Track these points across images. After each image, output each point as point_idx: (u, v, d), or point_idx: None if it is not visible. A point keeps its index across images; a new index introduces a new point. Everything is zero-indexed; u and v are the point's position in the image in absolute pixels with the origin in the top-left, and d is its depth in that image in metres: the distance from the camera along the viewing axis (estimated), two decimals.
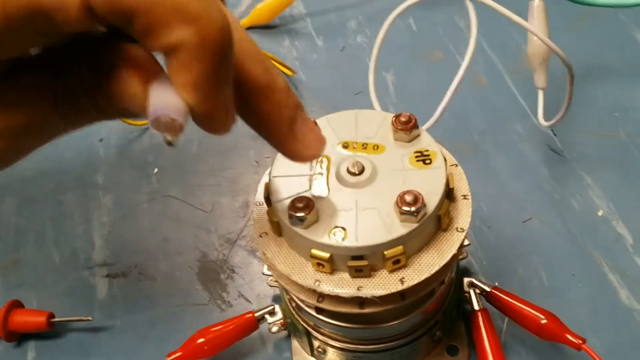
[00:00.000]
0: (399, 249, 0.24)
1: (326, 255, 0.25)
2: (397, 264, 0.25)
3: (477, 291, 0.34)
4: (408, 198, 0.24)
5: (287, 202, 0.25)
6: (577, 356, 0.32)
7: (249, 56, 0.21)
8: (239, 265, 0.40)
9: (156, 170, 0.45)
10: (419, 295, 0.27)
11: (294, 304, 0.32)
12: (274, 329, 0.34)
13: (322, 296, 0.26)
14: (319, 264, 0.25)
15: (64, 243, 0.42)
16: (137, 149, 0.47)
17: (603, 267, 0.37)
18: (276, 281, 0.33)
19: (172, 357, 0.33)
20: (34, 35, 0.18)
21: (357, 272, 0.25)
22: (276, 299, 0.38)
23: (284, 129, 0.22)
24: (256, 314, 0.34)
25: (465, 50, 0.35)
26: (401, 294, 0.26)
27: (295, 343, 0.35)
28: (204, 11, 0.17)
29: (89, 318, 0.36)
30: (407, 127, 0.27)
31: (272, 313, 0.34)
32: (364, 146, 0.27)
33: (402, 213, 0.24)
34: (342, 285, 0.25)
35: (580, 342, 0.30)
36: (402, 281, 0.25)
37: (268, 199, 0.26)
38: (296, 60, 0.51)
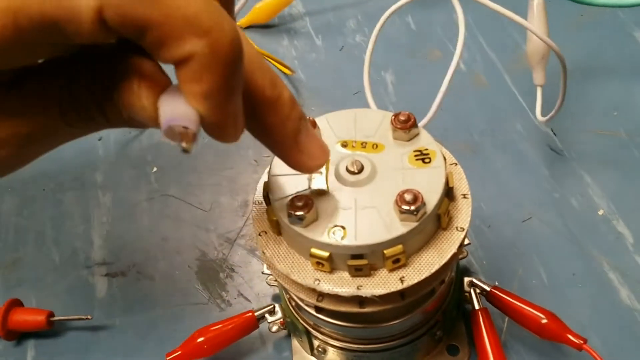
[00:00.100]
0: (399, 248, 0.24)
1: (325, 254, 0.25)
2: (397, 263, 0.25)
3: (477, 290, 0.34)
4: (407, 197, 0.24)
5: (286, 200, 0.25)
6: (578, 356, 0.32)
7: (257, 69, 0.21)
8: (238, 264, 0.40)
9: (155, 169, 0.45)
10: (419, 295, 0.27)
11: (293, 303, 0.32)
12: (274, 328, 0.34)
13: (321, 295, 0.26)
14: (318, 263, 0.25)
15: (63, 242, 0.42)
16: (136, 148, 0.46)
17: (603, 267, 0.37)
18: (276, 280, 0.33)
19: (172, 356, 0.33)
20: (44, 46, 0.18)
21: (357, 271, 0.25)
22: (276, 298, 0.38)
23: (288, 140, 0.23)
24: (256, 313, 0.34)
25: (465, 49, 0.35)
26: (401, 293, 0.26)
27: (295, 342, 0.35)
28: (216, 24, 0.17)
29: (89, 317, 0.36)
30: (406, 126, 0.27)
31: (271, 312, 0.34)
32: (363, 145, 0.27)
33: (402, 212, 0.24)
34: (342, 284, 0.25)
35: (582, 342, 0.30)
36: (402, 280, 0.25)
37: (267, 197, 0.26)
38: (295, 59, 0.51)
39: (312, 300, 0.27)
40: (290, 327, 0.34)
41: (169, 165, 0.45)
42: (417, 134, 0.27)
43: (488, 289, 0.33)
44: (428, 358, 0.34)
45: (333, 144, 0.27)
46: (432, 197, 0.25)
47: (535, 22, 0.38)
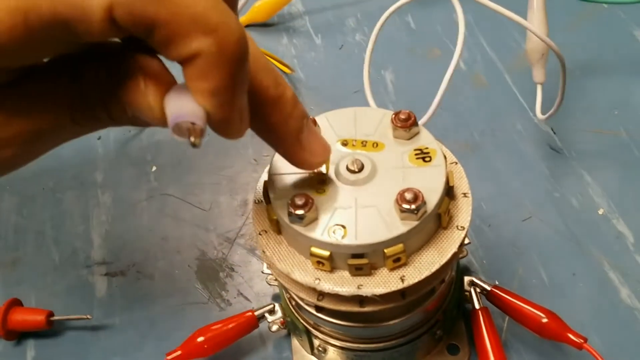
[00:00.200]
0: (399, 247, 0.24)
1: (326, 253, 0.25)
2: (398, 262, 0.25)
3: (478, 290, 0.34)
4: (408, 196, 0.24)
5: (287, 199, 0.25)
6: (578, 355, 0.32)
7: (261, 68, 0.22)
8: (238, 263, 0.40)
9: (155, 168, 0.45)
10: (420, 294, 0.27)
11: (293, 303, 0.32)
12: (274, 327, 0.34)
13: (322, 294, 0.26)
14: (318, 262, 0.25)
15: (63, 242, 0.42)
16: (136, 147, 0.46)
17: (603, 266, 0.37)
18: (276, 279, 0.33)
19: (172, 355, 0.33)
20: (53, 44, 0.19)
21: (357, 271, 0.25)
22: (275, 298, 0.38)
23: (291, 138, 0.24)
24: (256, 313, 0.34)
25: (465, 48, 0.35)
26: (401, 293, 0.26)
27: (295, 342, 0.35)
28: (222, 22, 0.18)
29: (88, 317, 0.36)
30: (406, 124, 0.27)
31: (271, 312, 0.34)
32: (364, 144, 0.27)
33: (402, 211, 0.24)
34: (342, 283, 0.25)
35: (582, 341, 0.30)
36: (402, 279, 0.25)
37: (267, 196, 0.26)
38: (294, 58, 0.51)
39: (313, 300, 0.27)
40: (291, 327, 0.34)
41: (169, 165, 0.45)
42: (418, 133, 0.27)
43: (488, 288, 0.33)
44: (428, 357, 0.34)
45: (333, 143, 0.27)
46: (432, 196, 0.25)
47: (535, 20, 0.38)
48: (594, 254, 0.38)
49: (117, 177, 0.45)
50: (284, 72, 0.49)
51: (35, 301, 0.39)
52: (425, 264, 0.25)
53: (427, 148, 0.27)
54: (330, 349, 0.32)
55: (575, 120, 0.44)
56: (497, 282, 0.36)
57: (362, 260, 0.25)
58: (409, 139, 0.27)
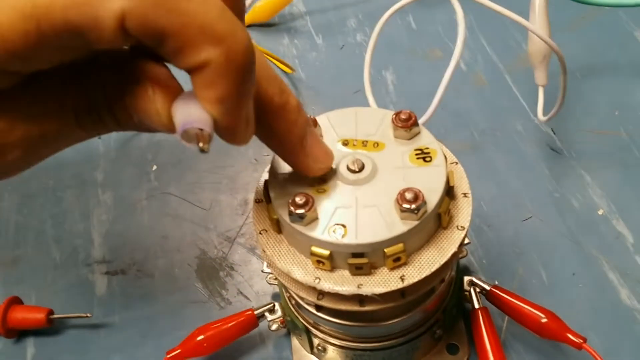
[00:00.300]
0: (400, 246, 0.24)
1: (326, 252, 0.25)
2: (398, 261, 0.25)
3: (477, 290, 0.34)
4: (408, 195, 0.24)
5: (287, 199, 0.25)
6: (578, 355, 0.32)
7: (266, 76, 0.22)
8: (238, 262, 0.40)
9: (155, 167, 0.45)
10: (419, 293, 0.27)
11: (293, 302, 0.32)
12: (274, 326, 0.34)
13: (322, 294, 0.26)
14: (319, 262, 0.25)
15: (63, 240, 0.42)
16: (136, 146, 0.46)
17: (603, 266, 0.37)
18: (276, 279, 0.33)
19: (172, 354, 0.33)
20: (63, 50, 0.19)
21: (357, 270, 0.25)
22: (275, 297, 0.38)
23: (295, 145, 0.24)
24: (256, 312, 0.34)
25: (466, 49, 0.35)
26: (401, 292, 0.26)
27: (295, 341, 0.35)
28: (230, 32, 0.18)
29: (88, 315, 0.36)
30: (407, 124, 0.27)
31: (271, 311, 0.34)
32: (364, 144, 0.27)
33: (403, 210, 0.24)
34: (342, 282, 0.25)
35: (581, 341, 0.30)
36: (402, 279, 0.25)
37: (267, 196, 0.26)
38: (295, 58, 0.51)
39: (313, 299, 0.27)
40: (290, 326, 0.34)
41: (169, 164, 0.45)
42: (418, 133, 0.27)
43: (488, 288, 0.33)
44: (428, 357, 0.34)
45: (334, 143, 0.27)
46: (432, 196, 0.25)
47: (536, 22, 0.38)
48: (594, 254, 0.38)
49: (117, 176, 0.45)
50: (285, 72, 0.49)
51: (35, 299, 0.39)
52: (425, 264, 0.25)
53: (427, 148, 0.27)
54: (330, 348, 0.32)
55: (575, 120, 0.44)
56: (496, 282, 0.36)
57: (362, 259, 0.25)
58: (409, 139, 0.27)
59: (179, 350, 0.33)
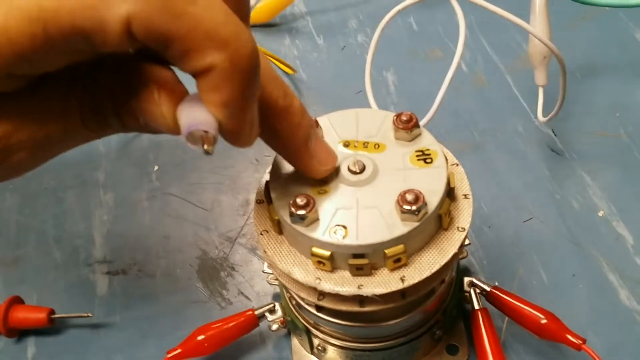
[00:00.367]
0: (400, 247, 0.24)
1: (327, 253, 0.25)
2: (398, 262, 0.25)
3: (477, 291, 0.34)
4: (409, 197, 0.24)
5: (288, 200, 0.25)
6: (577, 356, 0.32)
7: (270, 80, 0.23)
8: (239, 263, 0.40)
9: (156, 168, 0.45)
10: (420, 294, 0.27)
11: (294, 302, 0.32)
12: (274, 326, 0.34)
13: (322, 294, 0.26)
14: (319, 262, 0.25)
15: (64, 240, 0.42)
16: (138, 147, 0.47)
17: (603, 267, 0.37)
18: (276, 279, 0.33)
19: (172, 354, 0.33)
20: (69, 53, 0.19)
21: (358, 271, 0.25)
22: (276, 297, 0.38)
23: (299, 147, 0.24)
24: (256, 312, 0.34)
25: (467, 50, 0.35)
26: (402, 293, 0.26)
27: (295, 341, 0.35)
28: (235, 37, 0.18)
29: (89, 315, 0.37)
30: (408, 126, 0.27)
31: (272, 311, 0.34)
32: (365, 145, 0.27)
33: (403, 212, 0.24)
34: (343, 283, 0.25)
35: (581, 342, 0.30)
36: (402, 280, 0.25)
37: (269, 196, 0.26)
38: (297, 59, 0.51)
39: (313, 299, 0.27)
40: (291, 326, 0.34)
41: (170, 164, 0.45)
42: (419, 134, 0.28)
43: (488, 289, 0.33)
44: (428, 357, 0.34)
45: (335, 144, 0.28)
46: (433, 197, 0.25)
47: (537, 23, 0.38)
48: (594, 255, 0.38)
49: (118, 177, 0.45)
50: (286, 73, 0.49)
51: (36, 299, 0.39)
52: (426, 265, 0.25)
53: (428, 149, 0.27)
54: (330, 349, 0.33)
55: (576, 122, 0.44)
56: (496, 283, 0.36)
57: (363, 260, 0.25)
58: (410, 140, 0.27)
59: (179, 350, 0.33)
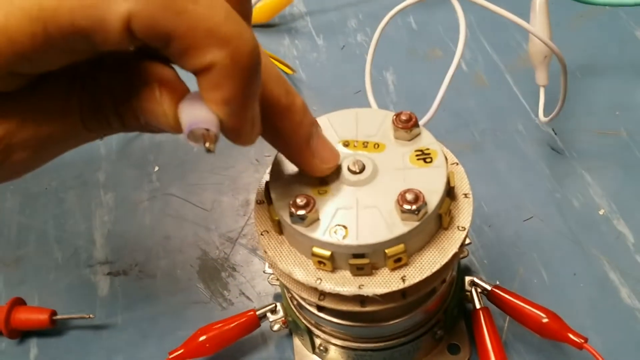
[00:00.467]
0: (400, 247, 0.24)
1: (327, 253, 0.25)
2: (399, 262, 0.25)
3: (479, 290, 0.34)
4: (409, 196, 0.24)
5: (288, 200, 0.25)
6: (579, 355, 0.32)
7: (272, 78, 0.22)
8: (240, 263, 0.40)
9: (157, 168, 0.45)
10: (420, 294, 0.27)
11: (295, 302, 0.32)
12: (276, 327, 0.34)
13: (323, 294, 0.26)
14: (320, 262, 0.25)
15: (65, 241, 0.42)
16: (138, 147, 0.47)
17: (604, 266, 0.37)
18: (277, 279, 0.33)
19: (174, 354, 0.33)
20: (70, 52, 0.19)
21: (359, 270, 0.25)
22: (277, 297, 0.38)
23: (301, 145, 0.24)
24: (258, 312, 0.34)
25: (467, 49, 0.35)
26: (402, 292, 0.26)
27: (296, 341, 0.35)
28: (236, 34, 0.18)
29: (91, 316, 0.37)
30: (407, 125, 0.27)
31: (273, 311, 0.34)
32: (365, 145, 0.27)
33: (403, 211, 0.24)
34: (344, 283, 0.25)
35: (582, 341, 0.30)
36: (403, 279, 0.25)
37: (269, 197, 0.26)
38: (296, 59, 0.51)
39: (314, 299, 0.27)
40: (292, 326, 0.34)
41: (171, 165, 0.45)
42: (419, 134, 0.28)
43: (489, 288, 0.33)
44: (429, 357, 0.34)
45: (335, 144, 0.27)
46: (433, 197, 0.25)
47: (537, 22, 0.38)
48: (595, 254, 0.38)
49: (119, 177, 0.45)
50: (286, 73, 0.49)
51: (38, 300, 0.39)
52: (426, 264, 0.25)
53: (428, 149, 0.27)
54: (332, 349, 0.33)
55: (576, 121, 0.44)
56: (497, 282, 0.36)
57: (364, 260, 0.25)
58: (410, 139, 0.27)
59: (181, 351, 0.33)
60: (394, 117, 0.27)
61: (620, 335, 0.35)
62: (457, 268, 0.33)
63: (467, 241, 0.32)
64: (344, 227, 0.25)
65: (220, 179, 0.44)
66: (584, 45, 0.49)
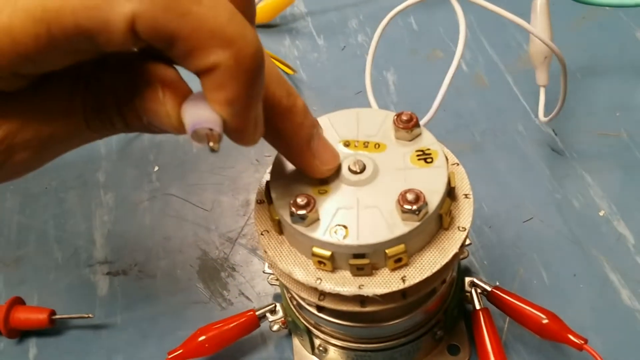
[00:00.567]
0: (401, 247, 0.24)
1: (327, 253, 0.25)
2: (399, 262, 0.25)
3: (479, 291, 0.34)
4: (410, 196, 0.24)
5: (289, 200, 0.25)
6: (579, 356, 0.32)
7: (274, 79, 0.23)
8: (240, 263, 0.40)
9: (157, 168, 0.45)
10: (421, 294, 0.27)
11: (295, 302, 0.32)
12: (275, 327, 0.34)
13: (323, 294, 0.26)
14: (320, 262, 0.25)
15: (65, 241, 0.42)
16: (138, 147, 0.47)
17: (604, 267, 0.37)
18: (277, 279, 0.33)
19: (173, 354, 0.33)
20: (73, 53, 0.19)
21: (359, 271, 0.25)
22: (277, 298, 0.38)
23: (302, 146, 0.24)
24: (257, 312, 0.34)
25: (467, 50, 0.35)
26: (402, 293, 0.26)
27: (296, 341, 0.35)
28: (240, 35, 0.18)
29: (90, 315, 0.37)
30: (408, 125, 0.27)
31: (273, 311, 0.34)
32: (366, 145, 0.27)
33: (404, 211, 0.24)
34: (344, 283, 0.25)
35: (582, 342, 0.30)
36: (403, 280, 0.25)
37: (269, 197, 0.26)
38: (297, 59, 0.51)
39: (314, 300, 0.27)
40: (292, 326, 0.34)
41: (171, 165, 0.45)
42: (420, 134, 0.28)
43: (489, 289, 0.33)
44: (429, 357, 0.34)
45: (335, 144, 0.27)
46: (434, 197, 0.25)
47: (538, 23, 0.38)
48: (595, 255, 0.38)
49: (119, 177, 0.45)
50: (287, 73, 0.49)
51: (37, 300, 0.39)
52: (427, 265, 0.25)
53: (428, 149, 0.27)
54: (331, 349, 0.33)
55: (576, 121, 0.44)
56: (497, 283, 0.36)
57: (364, 260, 0.25)
58: (410, 140, 0.27)
59: (180, 351, 0.33)
60: (395, 117, 0.27)
61: (620, 336, 0.35)
62: (457, 269, 0.33)
63: (468, 242, 0.32)
64: (345, 227, 0.25)
65: (220, 179, 0.44)
66: (584, 46, 0.49)
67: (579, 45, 0.49)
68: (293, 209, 0.25)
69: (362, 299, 0.26)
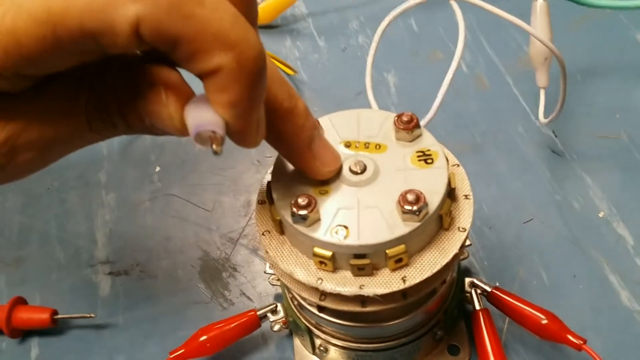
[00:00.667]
0: (401, 247, 0.25)
1: (328, 253, 0.25)
2: (399, 262, 0.25)
3: (478, 291, 0.34)
4: (410, 197, 0.24)
5: (290, 200, 0.25)
6: (578, 356, 0.32)
7: (275, 82, 0.23)
8: (241, 263, 0.40)
9: (158, 169, 0.45)
10: (421, 294, 0.27)
11: (295, 303, 0.32)
12: (276, 327, 0.34)
13: (324, 294, 0.27)
14: (321, 262, 0.25)
15: (67, 241, 0.42)
16: (140, 147, 0.47)
17: (604, 268, 0.37)
18: (278, 279, 0.33)
19: (175, 354, 0.33)
20: (77, 55, 0.19)
21: (359, 271, 0.25)
22: (278, 298, 0.38)
23: (303, 148, 0.25)
24: (258, 312, 0.34)
25: (467, 51, 0.35)
26: (403, 293, 0.26)
27: (297, 341, 0.35)
28: (243, 39, 0.18)
29: (92, 315, 0.37)
30: (409, 126, 0.27)
31: (274, 311, 0.34)
32: (366, 145, 0.28)
33: (404, 212, 0.24)
34: (344, 283, 0.25)
35: (581, 342, 0.30)
36: (404, 280, 0.25)
37: (270, 197, 0.27)
38: (298, 60, 0.52)
39: (315, 300, 0.27)
40: (292, 326, 0.34)
41: (172, 165, 0.45)
42: (420, 135, 0.28)
43: (489, 289, 0.34)
44: (429, 358, 0.34)
45: (336, 145, 0.28)
46: (434, 198, 0.25)
47: (538, 24, 0.38)
48: (595, 256, 0.38)
49: (121, 178, 0.45)
50: (287, 74, 0.49)
51: (39, 300, 0.39)
52: (427, 265, 0.25)
53: (429, 150, 0.27)
54: (332, 349, 0.33)
55: (576, 123, 0.44)
56: (497, 284, 0.36)
57: (364, 260, 0.25)
58: (411, 140, 0.27)
59: (182, 351, 0.33)
60: (396, 118, 0.28)
61: (620, 337, 0.35)
62: (458, 269, 0.33)
63: (468, 242, 0.32)
64: (345, 227, 0.25)
65: (222, 180, 0.44)
66: (584, 48, 0.49)
67: (578, 46, 0.49)
68: (294, 210, 0.25)
69: (362, 299, 0.26)
